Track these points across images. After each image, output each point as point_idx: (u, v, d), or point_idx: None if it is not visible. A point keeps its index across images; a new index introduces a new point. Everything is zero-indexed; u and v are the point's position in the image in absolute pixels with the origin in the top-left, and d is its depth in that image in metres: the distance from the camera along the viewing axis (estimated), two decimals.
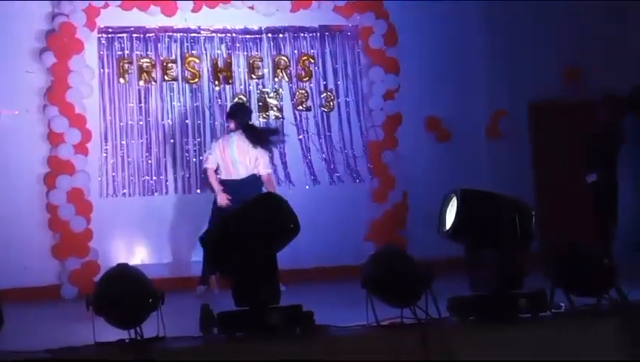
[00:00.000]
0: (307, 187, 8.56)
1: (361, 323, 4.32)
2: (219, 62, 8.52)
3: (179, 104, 8.40)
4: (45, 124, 7.94)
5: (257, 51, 8.64)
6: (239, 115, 7.49)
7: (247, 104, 8.37)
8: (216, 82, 8.51)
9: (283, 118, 8.64)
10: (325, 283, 7.71)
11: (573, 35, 8.77)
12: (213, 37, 8.54)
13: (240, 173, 7.31)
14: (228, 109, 7.82)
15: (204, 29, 8.50)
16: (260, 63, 8.62)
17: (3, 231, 7.63)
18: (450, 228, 4.51)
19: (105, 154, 8.19)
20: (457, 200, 4.52)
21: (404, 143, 8.65)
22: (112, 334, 4.13)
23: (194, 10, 8.30)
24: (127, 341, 4.08)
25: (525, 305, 4.45)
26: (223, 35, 8.56)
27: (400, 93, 8.68)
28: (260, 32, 8.65)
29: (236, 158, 7.31)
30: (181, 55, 8.45)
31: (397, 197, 8.55)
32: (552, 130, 8.73)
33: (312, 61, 8.75)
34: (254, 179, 7.34)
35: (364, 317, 4.30)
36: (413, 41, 8.72)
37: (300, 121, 8.69)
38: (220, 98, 8.52)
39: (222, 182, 7.31)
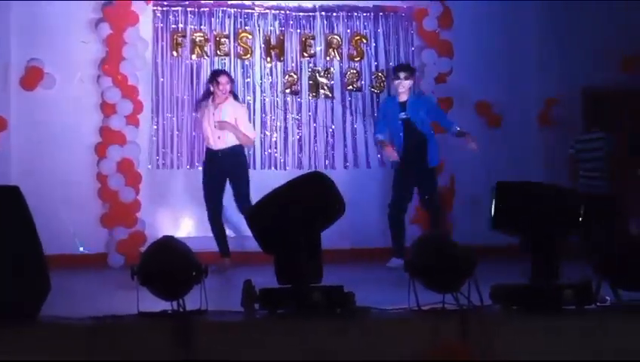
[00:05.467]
0: (365, 168, 8.59)
1: (402, 307, 4.31)
2: (271, 39, 8.52)
3: None
4: (99, 94, 8.05)
5: (310, 29, 8.62)
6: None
7: (296, 82, 8.43)
8: (268, 59, 8.52)
9: (333, 97, 8.62)
10: (368, 265, 7.71)
11: (631, 23, 8.57)
12: (267, 13, 8.53)
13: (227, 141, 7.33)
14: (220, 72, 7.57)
15: (257, 5, 8.50)
16: (312, 41, 8.60)
17: (54, 198, 7.76)
18: (491, 221, 4.50)
19: (155, 126, 8.27)
20: (494, 193, 4.50)
21: None
22: (155, 304, 4.20)
23: None
24: (169, 312, 4.14)
25: (570, 297, 4.39)
26: (277, 11, 8.55)
27: (452, 76, 8.59)
28: (313, 9, 8.63)
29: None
30: (234, 30, 8.47)
31: (444, 182, 8.48)
32: (605, 118, 8.57)
33: (365, 41, 8.70)
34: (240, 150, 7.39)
35: (405, 300, 4.30)
36: (467, 24, 8.61)
37: (350, 101, 8.67)
38: (271, 75, 8.54)
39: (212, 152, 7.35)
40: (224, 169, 7.31)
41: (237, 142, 7.33)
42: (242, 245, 7.45)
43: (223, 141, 7.29)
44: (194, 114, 7.93)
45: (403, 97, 7.50)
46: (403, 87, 7.48)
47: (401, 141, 7.44)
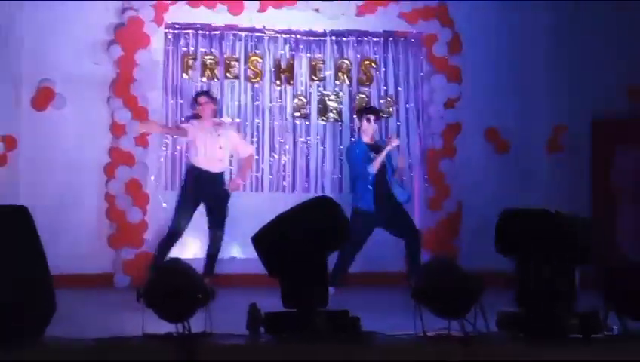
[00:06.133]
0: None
1: (408, 332, 4.30)
2: (281, 63, 8.57)
3: (238, 102, 8.49)
4: (109, 115, 8.09)
5: (320, 53, 8.67)
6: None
7: (306, 106, 8.49)
8: (278, 82, 8.57)
9: (342, 121, 8.65)
10: (374, 289, 7.69)
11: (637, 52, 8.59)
12: (278, 37, 8.59)
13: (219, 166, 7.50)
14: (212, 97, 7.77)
15: (268, 29, 8.55)
16: (322, 66, 8.65)
17: (62, 217, 7.78)
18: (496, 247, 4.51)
19: (164, 148, 8.30)
20: (499, 220, 4.51)
21: (462, 153, 8.57)
22: (160, 326, 4.19)
23: (260, 10, 8.35)
24: (174, 334, 4.13)
25: (576, 326, 4.37)
26: (287, 36, 8.61)
27: (461, 102, 8.61)
28: (323, 34, 8.68)
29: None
30: (244, 54, 8.52)
31: (452, 207, 8.48)
32: (614, 148, 8.58)
33: (374, 66, 8.74)
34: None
35: (411, 325, 4.28)
36: (477, 50, 8.63)
37: (359, 126, 8.67)
38: (281, 98, 8.58)
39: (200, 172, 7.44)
40: (206, 195, 7.41)
41: (226, 169, 7.59)
42: (248, 267, 7.44)
43: (218, 165, 7.45)
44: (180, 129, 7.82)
45: (370, 138, 7.44)
46: (372, 129, 7.46)
47: (372, 185, 7.29)
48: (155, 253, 7.37)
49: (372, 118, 7.44)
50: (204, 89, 8.35)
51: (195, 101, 7.64)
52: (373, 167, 7.23)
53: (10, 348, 3.85)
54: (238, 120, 8.46)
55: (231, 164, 8.00)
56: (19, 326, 3.95)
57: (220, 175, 7.54)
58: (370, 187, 7.25)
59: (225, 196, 7.52)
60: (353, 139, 8.09)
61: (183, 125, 7.69)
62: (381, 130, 8.67)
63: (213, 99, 7.73)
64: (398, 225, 7.30)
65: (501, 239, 4.51)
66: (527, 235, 4.48)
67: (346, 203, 4.55)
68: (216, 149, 7.45)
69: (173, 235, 7.40)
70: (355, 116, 8.02)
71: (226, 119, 8.29)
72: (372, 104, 8.67)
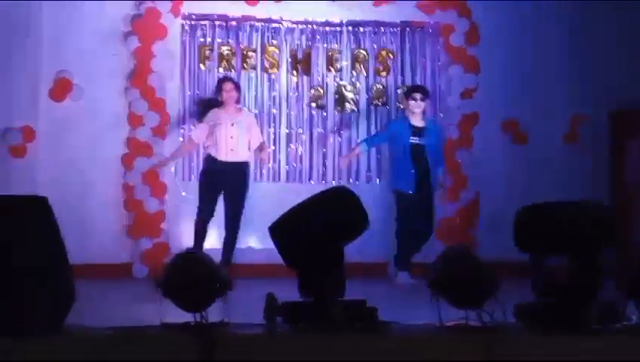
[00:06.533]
0: (378, 181, 8.59)
1: (425, 322, 4.30)
2: (298, 54, 8.57)
3: (255, 93, 8.50)
4: (126, 106, 8.12)
5: (337, 44, 8.66)
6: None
7: (322, 96, 8.49)
8: (295, 73, 8.57)
9: (358, 111, 8.65)
10: (391, 279, 7.69)
11: None
12: (294, 28, 8.59)
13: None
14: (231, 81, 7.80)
15: (285, 20, 8.55)
16: (338, 56, 8.64)
17: (81, 208, 7.84)
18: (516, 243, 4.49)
19: (181, 138, 8.33)
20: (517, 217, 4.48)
21: (479, 143, 8.55)
22: (178, 316, 4.21)
23: (276, 1, 8.35)
24: (192, 324, 4.15)
25: (595, 316, 4.35)
26: (304, 26, 8.60)
27: (478, 92, 8.58)
28: (340, 25, 8.66)
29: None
30: (261, 45, 8.53)
31: (469, 197, 8.46)
32: (634, 138, 8.51)
33: (391, 56, 8.71)
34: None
35: (428, 315, 4.28)
36: (494, 40, 8.59)
37: (375, 116, 8.68)
38: (297, 89, 8.58)
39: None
40: (225, 183, 7.44)
41: (247, 159, 7.52)
42: (266, 257, 7.46)
43: (235, 154, 7.39)
44: (197, 124, 7.93)
45: (418, 119, 7.38)
46: (418, 108, 7.37)
47: (409, 166, 7.29)
48: (193, 244, 7.47)
49: (418, 96, 7.36)
50: None
51: (219, 86, 7.66)
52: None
53: (30, 337, 3.89)
54: (274, 111, 8.48)
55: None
56: (39, 316, 3.98)
57: (236, 164, 7.52)
58: (410, 169, 7.22)
59: (241, 186, 7.52)
60: (398, 117, 8.09)
61: (198, 126, 7.71)
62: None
63: (237, 87, 7.74)
64: (423, 215, 7.31)
65: (520, 236, 4.48)
66: (549, 230, 4.45)
67: (362, 193, 4.54)
68: (228, 139, 7.46)
69: (199, 223, 7.49)
70: (402, 96, 7.97)
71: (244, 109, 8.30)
72: (389, 95, 8.65)
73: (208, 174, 7.56)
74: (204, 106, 7.93)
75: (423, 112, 7.64)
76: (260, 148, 7.77)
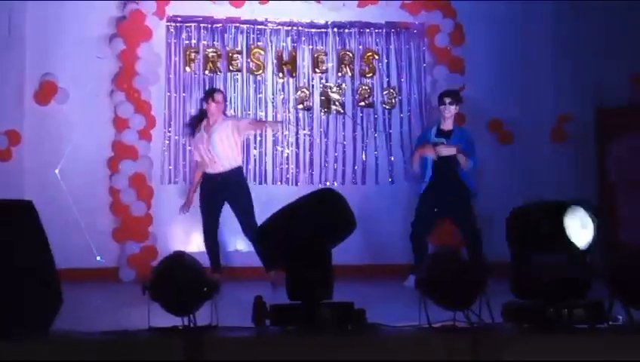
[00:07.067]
0: (374, 183, 8.62)
1: (413, 324, 4.30)
2: (284, 55, 8.57)
3: (241, 95, 8.48)
4: (112, 109, 8.09)
5: (322, 45, 8.66)
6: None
7: (308, 98, 8.49)
8: (280, 75, 8.56)
9: (345, 113, 8.65)
10: (378, 281, 7.71)
11: None
12: (279, 29, 8.59)
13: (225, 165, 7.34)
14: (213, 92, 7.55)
15: (270, 21, 8.55)
16: (324, 57, 8.64)
17: (67, 212, 7.81)
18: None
19: (167, 141, 8.31)
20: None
21: None
22: (166, 320, 4.20)
23: (261, 2, 8.35)
24: (180, 327, 4.14)
25: (582, 316, 4.36)
26: (289, 28, 8.61)
27: (463, 93, 8.59)
28: (325, 26, 8.67)
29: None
30: (247, 46, 8.52)
31: None
32: (619, 136, 8.57)
33: (377, 57, 8.73)
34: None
35: (416, 317, 4.29)
36: (480, 41, 8.63)
37: (362, 117, 8.69)
38: (283, 91, 8.58)
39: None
40: (224, 193, 7.31)
41: (237, 164, 7.34)
42: (253, 260, 7.45)
43: (221, 164, 7.30)
44: (188, 138, 7.84)
45: (447, 124, 7.35)
46: (449, 112, 7.33)
47: (432, 166, 7.26)
48: (209, 258, 7.32)
49: (447, 100, 7.36)
50: (207, 82, 8.35)
51: (209, 96, 7.39)
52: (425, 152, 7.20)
53: (17, 342, 3.87)
54: (261, 113, 8.46)
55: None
56: (25, 320, 3.96)
57: (225, 174, 7.33)
58: (429, 170, 7.20)
59: (241, 190, 7.39)
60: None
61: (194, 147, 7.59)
62: (384, 121, 8.68)
63: (225, 98, 7.66)
64: (460, 218, 7.24)
65: (512, 237, 4.49)
66: (539, 230, 4.46)
67: (349, 195, 4.54)
68: (207, 152, 7.29)
69: (207, 235, 7.40)
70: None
71: (229, 112, 8.28)
72: (375, 96, 8.66)
73: (204, 191, 7.44)
74: (194, 123, 7.68)
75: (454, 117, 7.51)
76: (258, 124, 7.68)
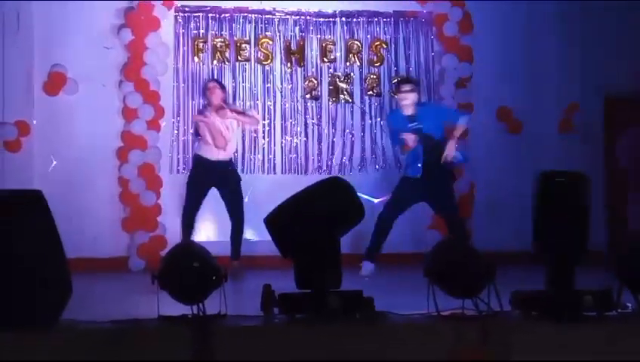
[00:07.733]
0: (377, 167, 8.60)
1: (422, 312, 4.32)
2: (292, 45, 8.56)
3: (250, 85, 8.49)
4: (120, 99, 8.11)
5: (330, 35, 8.64)
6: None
7: (317, 87, 8.48)
8: (289, 64, 8.55)
9: (353, 102, 8.64)
10: (387, 270, 7.70)
11: None
12: (287, 19, 8.57)
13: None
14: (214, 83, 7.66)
15: (278, 11, 8.53)
16: (332, 47, 8.62)
17: (77, 202, 7.82)
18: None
19: (176, 131, 8.32)
20: None
21: (474, 133, 8.54)
22: (175, 308, 4.22)
23: None
24: (189, 316, 4.16)
25: (590, 303, 4.37)
26: (297, 17, 8.58)
27: (472, 81, 8.59)
28: (333, 15, 8.65)
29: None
30: (255, 36, 8.51)
31: (464, 187, 8.46)
32: (628, 124, 8.55)
33: (385, 46, 8.70)
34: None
35: (425, 305, 4.30)
36: (488, 30, 8.59)
37: (370, 106, 8.68)
38: (292, 80, 8.57)
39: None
40: (216, 179, 7.41)
41: (232, 154, 7.54)
42: (262, 249, 7.47)
43: (225, 152, 7.41)
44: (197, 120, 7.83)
45: (409, 110, 7.36)
46: (408, 100, 7.36)
47: (420, 153, 7.25)
48: (182, 235, 7.45)
49: (406, 88, 7.37)
50: (215, 72, 8.35)
51: (205, 88, 7.63)
52: (406, 138, 7.17)
53: (28, 331, 3.89)
54: (269, 103, 8.46)
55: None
56: (35, 309, 3.98)
57: (228, 162, 7.48)
58: (419, 155, 7.20)
59: (234, 180, 7.49)
60: (393, 109, 8.06)
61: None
62: (392, 109, 8.65)
63: (221, 86, 7.70)
64: (440, 201, 7.25)
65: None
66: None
67: (357, 183, 4.54)
68: (219, 136, 7.40)
69: (185, 219, 7.48)
70: (392, 92, 7.93)
71: (237, 103, 8.29)
72: (383, 85, 8.65)
73: (196, 173, 7.51)
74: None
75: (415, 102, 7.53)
76: (239, 117, 7.60)
